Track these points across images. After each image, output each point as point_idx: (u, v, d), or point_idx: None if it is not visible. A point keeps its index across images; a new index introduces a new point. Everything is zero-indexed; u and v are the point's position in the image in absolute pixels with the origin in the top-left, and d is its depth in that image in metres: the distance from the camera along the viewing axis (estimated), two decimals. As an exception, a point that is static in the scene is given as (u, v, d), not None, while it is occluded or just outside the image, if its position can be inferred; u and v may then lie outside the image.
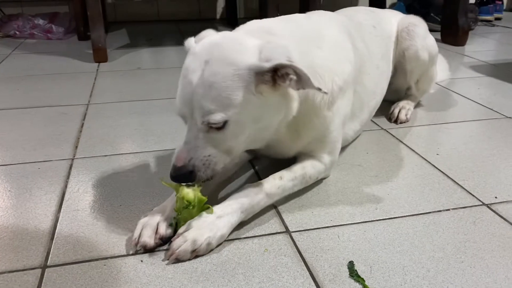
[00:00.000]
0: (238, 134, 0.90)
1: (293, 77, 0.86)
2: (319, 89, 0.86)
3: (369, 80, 1.24)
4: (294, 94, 0.94)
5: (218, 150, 0.90)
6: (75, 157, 1.26)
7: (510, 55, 2.45)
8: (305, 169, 1.05)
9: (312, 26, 1.11)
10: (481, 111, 1.64)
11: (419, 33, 1.45)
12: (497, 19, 3.48)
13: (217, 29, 1.02)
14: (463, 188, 1.12)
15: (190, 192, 0.88)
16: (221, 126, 0.86)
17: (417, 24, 1.46)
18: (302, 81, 0.86)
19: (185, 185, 0.90)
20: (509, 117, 1.56)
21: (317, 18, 1.16)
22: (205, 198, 0.90)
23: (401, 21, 1.48)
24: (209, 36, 0.95)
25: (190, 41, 0.96)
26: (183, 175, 0.88)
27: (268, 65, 0.85)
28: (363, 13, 1.41)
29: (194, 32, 1.00)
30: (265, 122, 0.93)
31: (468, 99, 1.75)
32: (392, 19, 1.48)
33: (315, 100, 1.01)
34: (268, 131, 0.96)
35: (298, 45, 0.97)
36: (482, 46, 2.72)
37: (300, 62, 0.86)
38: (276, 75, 0.87)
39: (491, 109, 1.64)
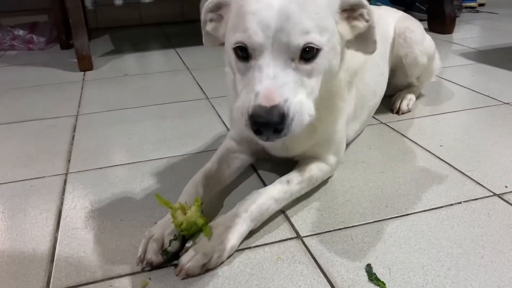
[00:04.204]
0: (322, 70, 0.82)
1: (369, 18, 0.86)
2: (375, 42, 0.89)
3: (370, 79, 1.22)
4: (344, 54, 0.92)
5: (306, 93, 0.78)
6: (69, 171, 1.21)
7: (497, 41, 2.45)
8: (312, 171, 1.01)
9: None
10: (478, 98, 1.62)
11: (416, 39, 1.42)
12: (481, 5, 3.49)
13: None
14: (472, 179, 1.09)
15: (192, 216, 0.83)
16: (312, 56, 0.77)
17: (413, 30, 1.43)
18: (369, 28, 0.87)
19: (180, 205, 0.85)
20: (507, 103, 1.55)
21: None
22: (201, 221, 0.84)
23: (397, 24, 1.45)
24: None
25: None
26: (276, 117, 0.71)
27: (353, 0, 0.84)
28: None
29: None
30: (332, 70, 0.87)
31: (464, 87, 1.73)
32: (389, 19, 1.45)
33: (340, 81, 0.99)
34: (322, 86, 0.86)
35: None
36: (469, 33, 2.72)
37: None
38: (351, 17, 0.86)
39: (488, 96, 1.62)
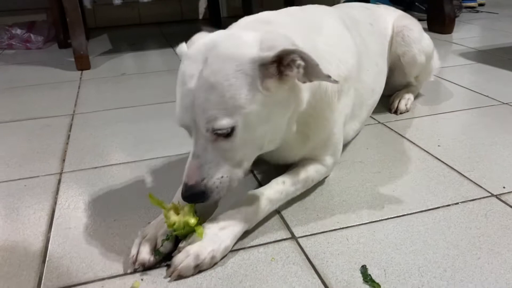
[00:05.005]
0: (248, 140, 0.82)
1: (301, 63, 0.78)
2: (329, 77, 0.79)
3: (368, 77, 1.20)
4: (302, 84, 0.86)
5: (230, 165, 0.82)
6: (63, 171, 1.20)
7: (497, 41, 2.44)
8: (308, 172, 1.00)
9: (309, 16, 1.07)
10: (477, 98, 1.61)
11: (414, 37, 1.41)
12: (481, 5, 3.47)
13: (201, 30, 0.97)
14: (470, 179, 1.08)
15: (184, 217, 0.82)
16: (229, 133, 0.79)
17: (412, 28, 1.42)
18: (309, 68, 0.78)
19: (173, 205, 0.84)
20: (506, 103, 1.54)
21: (313, 9, 1.11)
22: (194, 221, 0.83)
23: (396, 22, 1.44)
24: (202, 38, 0.88)
25: (182, 47, 0.89)
26: (195, 195, 0.80)
27: (272, 53, 0.77)
28: (359, 10, 1.37)
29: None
30: (274, 123, 0.85)
31: (463, 87, 1.72)
32: (387, 17, 1.44)
33: (326, 92, 0.96)
34: (279, 132, 0.88)
35: (299, 33, 0.90)
36: (468, 33, 2.71)
37: (304, 48, 0.79)
38: (281, 66, 0.79)
39: (487, 96, 1.61)
